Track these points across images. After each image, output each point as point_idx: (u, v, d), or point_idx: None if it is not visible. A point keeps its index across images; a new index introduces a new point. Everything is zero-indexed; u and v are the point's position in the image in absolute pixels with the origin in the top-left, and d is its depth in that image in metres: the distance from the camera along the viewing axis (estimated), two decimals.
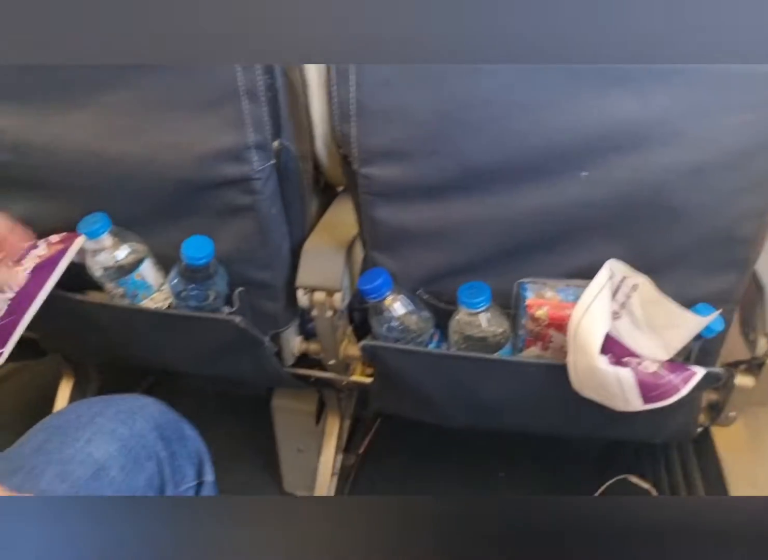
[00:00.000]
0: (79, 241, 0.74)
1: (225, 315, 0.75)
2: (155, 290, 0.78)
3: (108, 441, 0.50)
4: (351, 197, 0.75)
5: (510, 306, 0.71)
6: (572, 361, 0.63)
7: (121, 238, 0.75)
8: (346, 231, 0.82)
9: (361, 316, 0.92)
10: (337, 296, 0.78)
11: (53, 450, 0.48)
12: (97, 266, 0.76)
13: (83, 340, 0.88)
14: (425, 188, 0.65)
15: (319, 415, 1.11)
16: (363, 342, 0.71)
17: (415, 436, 1.29)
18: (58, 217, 0.77)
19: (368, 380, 0.92)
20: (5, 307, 0.76)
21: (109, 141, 0.70)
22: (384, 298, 0.71)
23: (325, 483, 1.09)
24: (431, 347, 0.74)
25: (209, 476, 0.57)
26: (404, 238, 0.70)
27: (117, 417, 0.52)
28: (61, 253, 0.74)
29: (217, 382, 1.09)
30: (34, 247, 0.78)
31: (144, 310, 0.75)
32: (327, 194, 0.91)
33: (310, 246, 0.80)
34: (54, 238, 0.78)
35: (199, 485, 0.56)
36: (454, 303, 0.73)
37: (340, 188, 0.95)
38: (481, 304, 0.67)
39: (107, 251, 0.74)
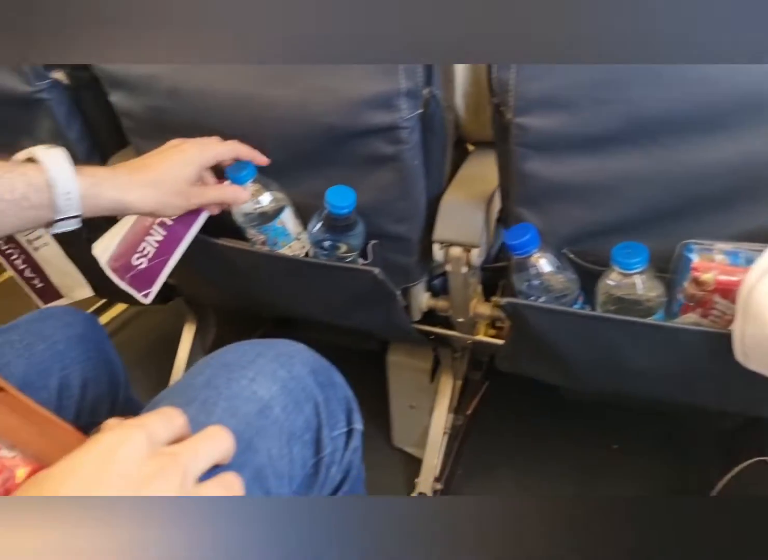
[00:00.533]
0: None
1: (364, 266, 0.74)
2: (293, 238, 0.79)
3: (270, 381, 0.51)
4: (496, 150, 0.72)
5: (664, 269, 0.67)
6: (739, 330, 0.59)
7: (263, 186, 0.76)
8: (485, 186, 0.80)
9: (491, 274, 0.90)
10: (475, 252, 0.77)
11: (221, 386, 0.49)
12: (240, 212, 0.77)
13: (219, 286, 0.91)
14: (586, 139, 0.62)
15: (433, 374, 1.11)
16: (505, 300, 0.69)
17: (523, 401, 1.27)
18: None
19: (494, 340, 0.90)
20: (153, 250, 0.79)
21: (262, 86, 0.70)
22: (530, 255, 0.68)
23: (437, 442, 1.10)
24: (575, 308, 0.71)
25: (358, 424, 0.58)
26: (555, 193, 0.67)
27: (277, 359, 0.52)
28: None
29: (331, 334, 1.10)
30: None
31: (285, 258, 0.76)
32: (458, 149, 0.88)
33: (448, 200, 0.78)
34: None
35: (350, 432, 0.57)
36: (600, 264, 0.69)
37: (471, 147, 0.92)
38: (637, 265, 0.64)
39: (251, 198, 0.75)
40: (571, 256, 0.71)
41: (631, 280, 0.65)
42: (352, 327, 0.89)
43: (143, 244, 0.78)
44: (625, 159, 0.62)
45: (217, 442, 0.39)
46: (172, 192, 0.62)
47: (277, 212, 0.77)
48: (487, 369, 1.28)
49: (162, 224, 0.77)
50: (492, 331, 0.97)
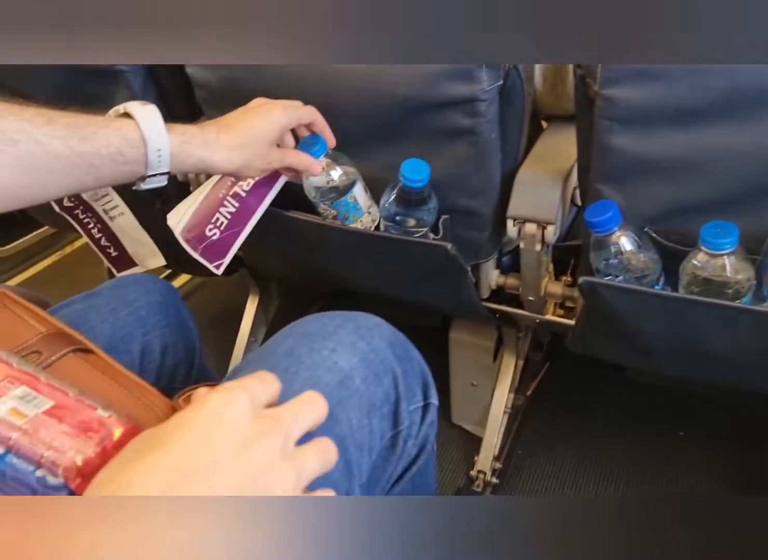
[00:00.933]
0: None
1: (437, 241, 0.74)
2: (364, 212, 0.78)
3: (350, 352, 0.51)
4: (577, 123, 0.70)
5: (755, 251, 0.64)
6: None
7: (335, 160, 0.75)
8: (562, 161, 0.77)
9: (560, 253, 0.88)
10: (550, 229, 0.75)
11: (303, 355, 0.50)
12: (312, 186, 0.77)
13: (287, 258, 0.91)
14: (679, 112, 0.59)
15: (495, 353, 1.10)
16: (583, 278, 0.67)
17: (584, 384, 1.25)
18: None
19: (564, 320, 0.89)
20: (226, 221, 0.80)
21: None
22: (611, 233, 0.66)
23: (497, 420, 1.09)
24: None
25: (434, 399, 0.58)
26: (640, 169, 0.65)
27: (357, 331, 0.52)
28: (279, 172, 0.76)
29: (393, 309, 1.10)
30: None
31: (356, 232, 0.76)
32: (532, 123, 0.86)
33: (524, 175, 0.76)
34: None
35: (426, 406, 0.57)
36: (685, 244, 0.66)
37: (544, 123, 0.90)
38: (727, 246, 0.61)
39: (323, 172, 0.75)
40: (654, 234, 0.69)
41: (719, 261, 0.62)
42: (418, 302, 0.89)
43: (217, 215, 0.79)
44: (719, 133, 0.59)
45: (314, 407, 0.39)
46: (256, 153, 0.63)
47: (349, 187, 0.76)
48: (548, 350, 1.26)
49: (235, 195, 0.78)
50: (560, 311, 0.95)
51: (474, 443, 1.13)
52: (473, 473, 1.09)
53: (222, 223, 0.79)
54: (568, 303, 0.90)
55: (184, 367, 0.69)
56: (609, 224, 0.65)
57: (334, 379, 0.49)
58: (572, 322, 0.87)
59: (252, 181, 0.77)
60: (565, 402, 1.23)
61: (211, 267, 0.79)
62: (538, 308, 0.86)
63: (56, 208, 1.02)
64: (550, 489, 1.09)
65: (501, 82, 0.68)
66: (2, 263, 1.76)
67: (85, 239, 1.05)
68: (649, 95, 0.59)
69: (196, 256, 0.78)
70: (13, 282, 1.75)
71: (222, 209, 0.79)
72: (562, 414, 1.21)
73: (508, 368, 1.09)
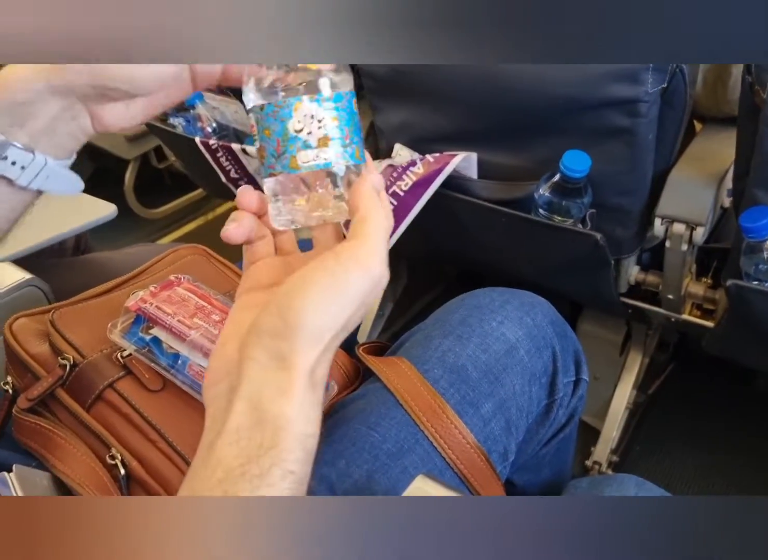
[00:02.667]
0: (455, 161, 0.80)
1: (588, 230, 0.77)
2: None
3: (516, 326, 0.57)
4: (739, 128, 0.71)
5: None
6: None
7: None
8: (718, 164, 0.78)
9: (704, 253, 0.88)
10: (699, 230, 0.76)
11: (474, 324, 0.56)
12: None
13: (428, 235, 0.96)
14: None
15: (622, 347, 1.11)
16: (731, 281, 0.68)
17: (708, 387, 1.23)
18: (435, 127, 0.85)
19: (703, 321, 0.89)
20: None
21: None
22: (765, 239, 0.67)
23: (617, 415, 1.10)
24: None
25: (585, 375, 0.63)
26: None
27: (522, 307, 0.58)
28: (436, 173, 0.82)
29: None
30: (413, 164, 0.86)
31: (509, 213, 0.79)
32: (687, 128, 0.86)
33: (677, 175, 0.78)
34: (430, 157, 0.85)
35: (577, 381, 0.62)
36: None
37: (697, 123, 0.90)
38: None
39: None
40: None
41: None
42: (556, 289, 0.92)
43: None
44: None
45: None
46: None
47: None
48: (673, 350, 1.25)
49: (394, 194, 0.83)
50: (696, 312, 0.95)
51: (590, 434, 1.15)
52: (588, 463, 1.12)
53: None
54: (706, 305, 0.90)
55: None
56: (764, 230, 0.66)
57: (501, 348, 0.55)
58: (710, 324, 0.87)
59: (410, 182, 0.83)
60: (688, 404, 1.22)
61: None
62: (676, 307, 0.87)
63: (223, 179, 1.13)
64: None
65: (665, 84, 0.69)
66: (153, 224, 1.95)
67: (226, 206, 1.13)
68: None
69: None
70: (162, 242, 1.94)
71: None
72: (685, 415, 1.20)
73: (634, 364, 1.10)
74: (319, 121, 0.36)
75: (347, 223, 0.37)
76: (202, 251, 0.67)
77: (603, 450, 1.11)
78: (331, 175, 0.36)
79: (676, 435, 1.17)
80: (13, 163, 0.39)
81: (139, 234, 1.88)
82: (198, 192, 1.93)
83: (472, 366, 0.54)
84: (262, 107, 0.36)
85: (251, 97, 0.37)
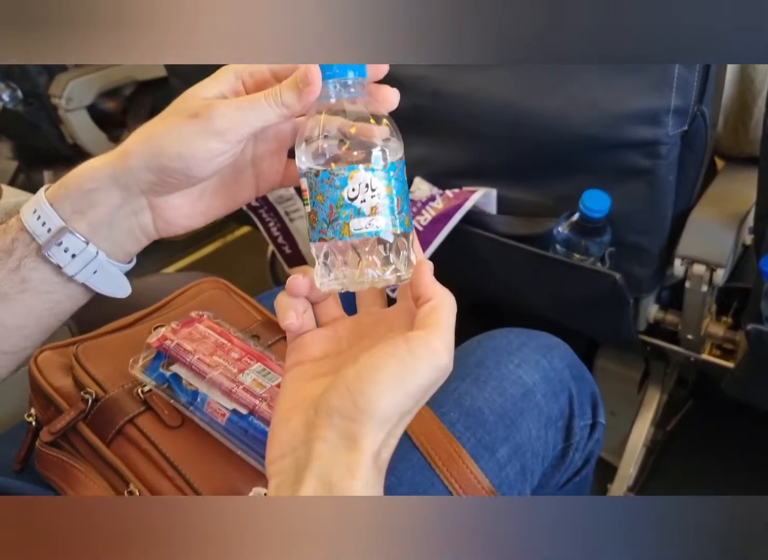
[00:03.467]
0: (475, 197, 0.81)
1: (607, 270, 0.77)
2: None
3: (533, 369, 0.57)
4: (760, 170, 0.71)
5: None
6: None
7: None
8: (739, 205, 0.78)
9: (724, 293, 0.87)
10: (720, 272, 0.76)
11: (491, 367, 0.56)
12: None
13: (444, 267, 0.97)
14: None
15: (640, 384, 1.10)
16: (751, 326, 0.68)
17: (728, 426, 1.21)
18: (454, 161, 0.86)
19: (723, 361, 0.88)
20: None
21: (526, 94, 0.74)
22: None
23: (635, 452, 1.09)
24: None
25: (602, 418, 0.63)
26: None
27: (539, 350, 0.58)
28: (455, 209, 0.82)
29: (536, 327, 1.13)
30: (432, 199, 0.86)
31: (527, 250, 0.80)
32: (708, 166, 0.86)
33: (698, 216, 0.78)
34: (450, 193, 0.86)
35: (594, 424, 0.61)
36: None
37: (719, 162, 0.90)
38: None
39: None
40: None
41: None
42: (574, 326, 0.92)
43: None
44: None
45: None
46: None
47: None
48: (692, 388, 1.24)
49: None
50: (716, 351, 0.94)
51: (606, 470, 1.14)
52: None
53: None
54: (726, 346, 0.90)
55: None
56: None
57: (518, 392, 0.55)
58: (729, 364, 0.86)
59: (430, 217, 0.84)
60: (707, 442, 1.20)
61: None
62: (696, 347, 0.87)
63: (243, 207, 1.15)
64: None
65: (686, 128, 0.70)
66: (172, 246, 1.96)
67: (244, 230, 1.15)
68: None
69: None
70: (180, 264, 1.95)
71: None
72: (703, 454, 1.19)
73: (652, 401, 1.09)
74: (373, 190, 0.36)
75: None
76: (223, 286, 0.68)
77: (620, 487, 1.09)
78: (382, 242, 0.37)
79: (694, 474, 1.16)
80: (66, 250, 0.39)
81: (158, 256, 1.89)
82: None
83: (488, 409, 0.54)
84: (317, 173, 0.37)
85: (303, 160, 0.38)
